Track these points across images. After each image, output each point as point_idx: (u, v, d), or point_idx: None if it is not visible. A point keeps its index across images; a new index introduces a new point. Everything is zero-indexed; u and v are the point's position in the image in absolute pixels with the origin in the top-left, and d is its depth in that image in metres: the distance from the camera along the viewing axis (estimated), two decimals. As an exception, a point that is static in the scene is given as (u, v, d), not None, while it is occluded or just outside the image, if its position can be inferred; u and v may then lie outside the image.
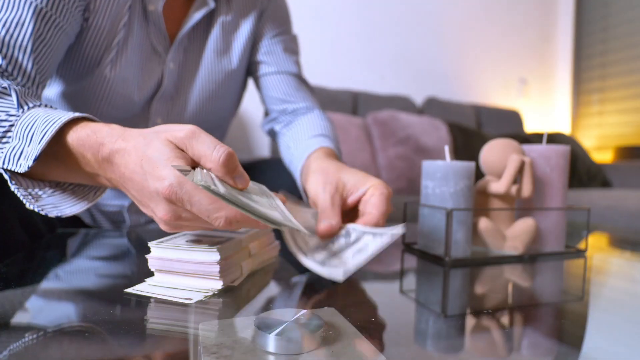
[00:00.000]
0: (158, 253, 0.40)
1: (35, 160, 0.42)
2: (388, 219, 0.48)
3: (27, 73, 0.54)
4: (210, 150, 0.36)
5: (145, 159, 0.37)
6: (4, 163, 0.45)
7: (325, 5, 2.36)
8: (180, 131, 0.38)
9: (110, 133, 0.41)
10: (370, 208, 0.47)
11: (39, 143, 0.42)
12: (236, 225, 0.36)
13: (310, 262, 0.41)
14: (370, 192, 0.49)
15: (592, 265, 0.59)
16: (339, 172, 0.53)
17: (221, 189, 0.34)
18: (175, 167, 0.34)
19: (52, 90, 0.70)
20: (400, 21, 2.56)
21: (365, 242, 0.41)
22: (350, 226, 0.46)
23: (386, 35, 2.52)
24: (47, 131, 0.42)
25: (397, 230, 0.41)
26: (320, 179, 0.52)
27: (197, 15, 0.70)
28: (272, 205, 0.39)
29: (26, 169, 0.43)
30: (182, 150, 0.37)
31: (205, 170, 0.36)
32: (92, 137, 0.42)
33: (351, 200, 0.50)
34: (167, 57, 0.71)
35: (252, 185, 0.42)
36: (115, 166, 0.40)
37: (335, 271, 0.38)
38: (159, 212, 0.37)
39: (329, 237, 0.46)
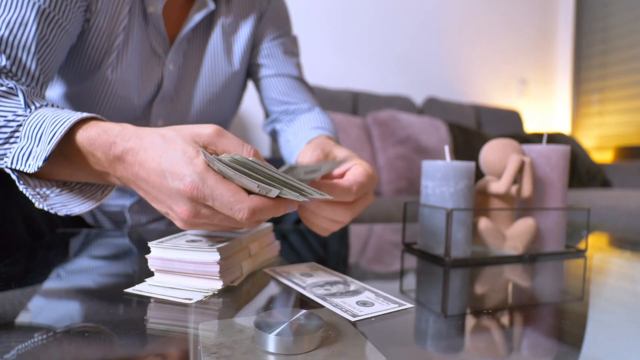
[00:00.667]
0: (158, 253, 0.40)
1: (45, 160, 0.43)
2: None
3: (31, 73, 0.54)
4: (241, 148, 0.38)
5: (165, 157, 0.37)
6: (12, 163, 0.45)
7: (326, 6, 2.36)
8: (206, 128, 0.38)
9: (122, 132, 0.41)
10: (349, 175, 0.47)
11: (49, 143, 0.42)
12: (260, 214, 0.36)
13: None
14: (355, 167, 0.48)
15: (592, 265, 0.59)
16: (333, 146, 0.54)
17: (250, 164, 0.35)
18: (203, 153, 0.35)
19: (54, 91, 0.70)
20: (400, 21, 2.56)
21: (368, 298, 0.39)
22: (349, 279, 0.44)
23: (386, 35, 2.52)
24: (56, 131, 0.42)
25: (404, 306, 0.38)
26: (311, 147, 0.54)
27: (197, 17, 0.70)
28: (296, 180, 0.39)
29: (36, 169, 0.43)
30: (203, 148, 0.38)
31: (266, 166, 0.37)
32: (104, 136, 0.41)
33: (336, 172, 0.50)
34: (167, 58, 0.71)
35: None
36: (128, 164, 0.40)
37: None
38: (178, 209, 0.37)
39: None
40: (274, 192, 0.36)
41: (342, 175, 0.49)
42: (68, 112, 0.45)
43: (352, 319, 0.33)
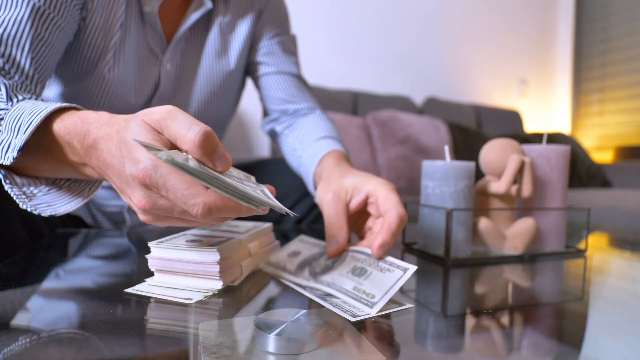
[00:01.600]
0: (158, 253, 0.40)
1: (19, 151, 0.41)
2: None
3: (25, 71, 0.53)
4: (186, 130, 0.33)
5: (122, 142, 0.35)
6: None
7: (325, 6, 2.36)
8: (157, 112, 0.35)
9: (97, 120, 0.39)
10: (383, 206, 0.46)
11: (24, 133, 0.41)
12: (216, 212, 0.32)
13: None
14: (375, 193, 0.48)
15: (592, 265, 0.59)
16: (341, 179, 0.52)
17: (192, 164, 0.30)
18: (141, 143, 0.31)
19: (52, 91, 0.70)
20: (400, 21, 2.56)
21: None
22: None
23: (386, 35, 2.52)
24: (32, 121, 0.41)
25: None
26: (323, 188, 0.52)
27: (194, 16, 0.70)
28: (256, 189, 0.36)
29: (12, 160, 0.42)
30: (159, 133, 0.35)
31: (183, 153, 0.33)
32: (79, 125, 0.40)
33: (354, 203, 0.49)
34: (164, 58, 0.71)
35: (236, 171, 0.40)
36: (99, 152, 0.38)
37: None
38: (134, 199, 0.35)
39: (337, 255, 0.46)
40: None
41: (361, 204, 0.49)
42: (46, 103, 0.44)
43: (352, 319, 0.33)
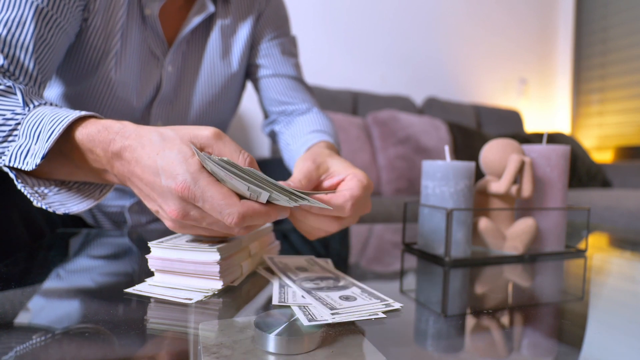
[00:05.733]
0: (158, 253, 0.40)
1: (43, 158, 0.42)
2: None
3: (29, 73, 0.54)
4: (237, 154, 0.38)
5: (161, 155, 0.37)
6: (10, 161, 0.45)
7: (326, 6, 2.36)
8: (205, 130, 0.38)
9: (122, 129, 0.41)
10: (344, 188, 0.45)
11: (47, 141, 0.42)
12: (249, 220, 0.35)
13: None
14: (349, 178, 0.46)
15: (592, 265, 0.59)
16: (327, 157, 0.51)
17: (239, 170, 0.35)
18: (196, 151, 0.35)
19: (53, 92, 0.70)
20: (400, 21, 2.56)
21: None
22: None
23: (386, 35, 2.52)
24: (54, 129, 0.42)
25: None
26: (305, 157, 0.51)
27: (196, 19, 0.70)
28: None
29: (33, 167, 0.43)
30: (202, 151, 0.38)
31: (249, 168, 0.36)
32: (104, 133, 0.41)
33: (326, 184, 0.48)
34: (165, 60, 0.71)
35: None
36: (125, 161, 0.40)
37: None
38: (168, 209, 0.37)
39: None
40: (264, 196, 0.36)
41: (335, 186, 0.47)
42: (67, 110, 0.45)
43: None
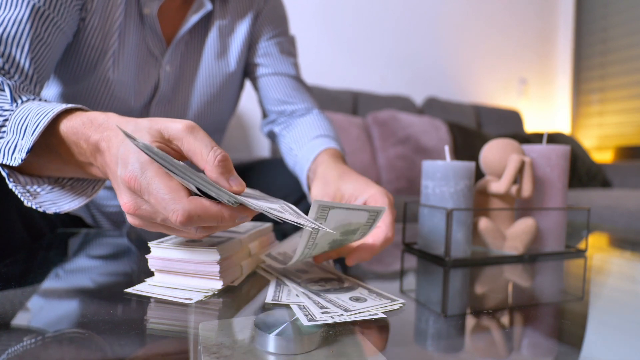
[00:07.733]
0: (158, 253, 0.40)
1: (28, 152, 0.42)
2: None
3: (25, 71, 0.53)
4: (207, 150, 0.34)
5: (124, 144, 0.35)
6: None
7: (325, 6, 2.36)
8: (178, 123, 0.35)
9: (106, 121, 0.40)
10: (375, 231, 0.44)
11: (32, 135, 0.42)
12: (197, 220, 0.32)
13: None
14: (370, 201, 0.46)
15: (592, 265, 0.59)
16: (339, 181, 0.51)
17: (178, 162, 0.30)
18: (125, 134, 0.31)
19: (51, 91, 0.70)
20: (400, 21, 2.56)
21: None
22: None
23: (386, 35, 2.52)
24: (39, 122, 0.42)
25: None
26: (320, 190, 0.51)
27: (194, 18, 0.70)
28: (273, 202, 0.37)
29: (20, 161, 0.42)
30: (167, 142, 0.35)
31: (181, 163, 0.33)
32: (87, 125, 0.41)
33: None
34: (164, 60, 0.71)
35: (251, 191, 0.41)
36: (101, 152, 0.39)
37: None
38: (121, 200, 0.35)
39: (323, 261, 0.45)
40: (203, 190, 0.32)
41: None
42: (53, 104, 0.44)
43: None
